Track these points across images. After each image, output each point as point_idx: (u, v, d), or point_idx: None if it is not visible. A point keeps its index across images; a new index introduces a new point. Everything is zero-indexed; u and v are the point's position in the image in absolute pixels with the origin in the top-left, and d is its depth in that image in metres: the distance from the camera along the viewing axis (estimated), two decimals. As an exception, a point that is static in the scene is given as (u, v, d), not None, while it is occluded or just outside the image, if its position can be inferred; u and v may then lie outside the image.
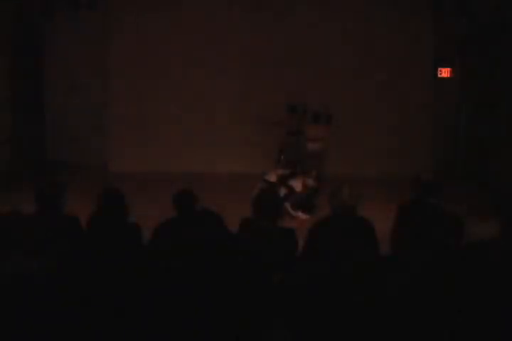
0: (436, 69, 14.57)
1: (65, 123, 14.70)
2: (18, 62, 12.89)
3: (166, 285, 3.51)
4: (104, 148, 14.52)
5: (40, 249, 3.97)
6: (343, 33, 13.95)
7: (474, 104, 13.68)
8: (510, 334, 3.24)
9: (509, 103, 11.77)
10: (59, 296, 3.30)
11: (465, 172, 13.69)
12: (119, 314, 3.21)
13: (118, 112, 14.29)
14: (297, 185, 10.49)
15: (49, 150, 14.59)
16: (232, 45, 14.08)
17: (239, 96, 14.11)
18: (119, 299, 3.30)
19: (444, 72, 14.69)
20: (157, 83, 14.16)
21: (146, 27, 13.99)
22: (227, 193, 11.13)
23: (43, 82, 14.39)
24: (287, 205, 10.00)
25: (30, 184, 5.23)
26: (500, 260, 3.72)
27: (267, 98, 13.51)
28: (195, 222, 4.58)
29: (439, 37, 14.16)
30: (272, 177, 10.63)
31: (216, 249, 3.57)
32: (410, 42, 13.97)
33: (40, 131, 14.17)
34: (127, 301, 3.29)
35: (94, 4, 12.81)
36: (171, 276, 3.56)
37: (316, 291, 3.29)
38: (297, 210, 10.18)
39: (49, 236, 4.04)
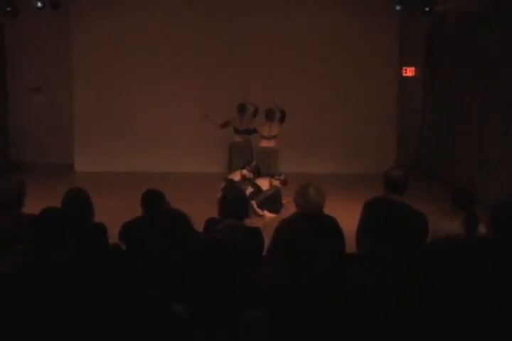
0: (401, 69, 14.68)
1: (29, 123, 14.56)
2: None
3: (132, 284, 3.50)
4: (70, 148, 14.38)
5: (4, 249, 3.93)
6: (307, 32, 14.00)
7: (439, 103, 13.81)
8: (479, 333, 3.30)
9: (473, 103, 11.90)
10: (25, 297, 3.28)
11: (430, 172, 13.83)
12: (84, 314, 3.20)
13: (83, 112, 14.17)
14: (264, 183, 10.51)
15: (13, 151, 14.44)
16: (194, 45, 14.05)
17: (203, 97, 14.02)
18: (84, 298, 3.28)
19: (409, 71, 14.83)
20: (122, 83, 14.06)
21: (109, 26, 13.87)
22: (194, 193, 11.12)
23: (6, 82, 14.20)
24: (253, 204, 10.01)
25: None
26: (464, 257, 3.77)
27: (226, 98, 13.37)
28: (161, 222, 4.57)
29: (404, 36, 14.28)
30: (236, 177, 10.63)
31: (182, 249, 3.57)
32: (376, 42, 14.04)
33: (3, 132, 13.97)
34: (93, 301, 3.28)
35: (58, 3, 12.64)
36: (137, 276, 3.55)
37: (282, 291, 3.31)
38: (263, 209, 10.18)
39: (12, 237, 3.99)
